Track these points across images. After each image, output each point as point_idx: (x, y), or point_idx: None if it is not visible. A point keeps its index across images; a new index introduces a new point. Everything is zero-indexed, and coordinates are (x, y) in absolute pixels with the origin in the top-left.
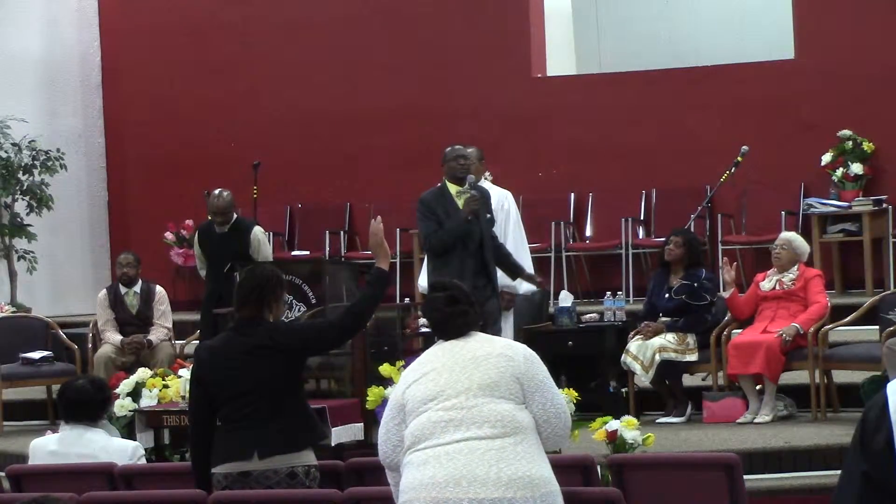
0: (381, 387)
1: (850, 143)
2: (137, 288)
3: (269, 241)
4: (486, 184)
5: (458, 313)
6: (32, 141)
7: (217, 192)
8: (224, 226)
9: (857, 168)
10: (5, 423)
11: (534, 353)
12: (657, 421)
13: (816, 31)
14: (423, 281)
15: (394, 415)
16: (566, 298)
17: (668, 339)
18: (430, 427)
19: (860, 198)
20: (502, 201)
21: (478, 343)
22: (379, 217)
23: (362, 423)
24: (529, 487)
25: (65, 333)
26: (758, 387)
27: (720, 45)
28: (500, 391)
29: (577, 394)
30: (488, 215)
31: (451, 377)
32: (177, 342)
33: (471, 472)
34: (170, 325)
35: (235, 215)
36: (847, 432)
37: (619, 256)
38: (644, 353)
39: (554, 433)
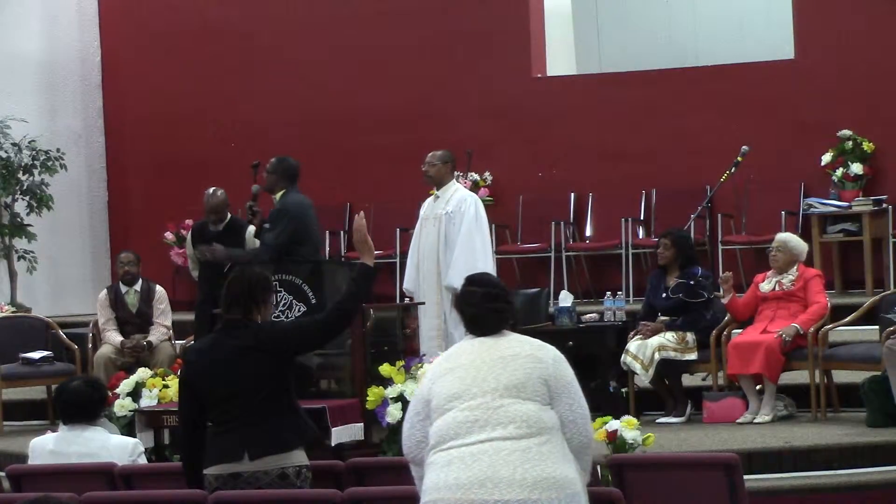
0: (381, 387)
1: (850, 143)
2: (138, 286)
3: None
4: (453, 186)
5: (496, 310)
6: (32, 141)
7: (211, 190)
8: (218, 224)
9: (857, 168)
10: (5, 423)
11: (562, 355)
12: (657, 421)
13: (816, 31)
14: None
15: (419, 409)
16: (566, 298)
17: (668, 337)
18: (455, 427)
19: (860, 198)
20: (460, 204)
21: (508, 342)
22: (362, 212)
23: (362, 423)
24: (555, 488)
25: (65, 333)
26: (758, 387)
27: (720, 45)
28: (526, 392)
29: None
30: (265, 225)
31: (478, 375)
32: (176, 342)
33: (496, 474)
34: (169, 324)
35: (230, 215)
36: (847, 432)
37: (619, 256)
38: (643, 352)
39: (578, 433)
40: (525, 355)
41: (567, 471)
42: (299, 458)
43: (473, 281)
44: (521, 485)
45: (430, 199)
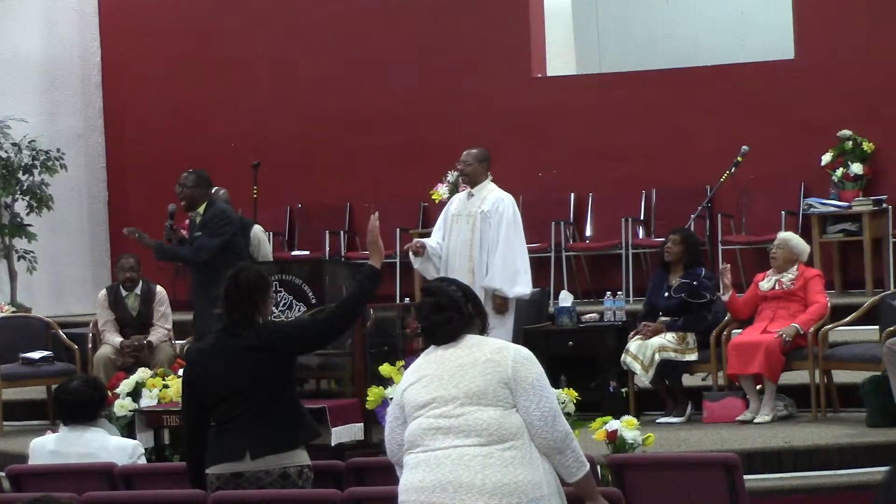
0: (381, 387)
1: (850, 143)
2: (138, 290)
3: (269, 240)
4: (489, 185)
5: (444, 321)
6: (32, 141)
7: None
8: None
9: (857, 168)
10: (5, 423)
11: (527, 355)
12: (657, 421)
13: (816, 31)
14: None
15: (396, 415)
16: (566, 298)
17: (668, 338)
18: (422, 433)
19: (860, 198)
20: (497, 204)
21: (467, 349)
22: (377, 213)
23: (362, 423)
24: (515, 494)
25: (65, 333)
26: (758, 387)
27: (720, 45)
28: (487, 398)
29: (577, 394)
30: (196, 234)
31: (440, 385)
32: (177, 342)
33: (457, 479)
34: (170, 326)
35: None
36: (847, 432)
37: (619, 256)
38: (644, 352)
39: (541, 435)
40: (483, 360)
41: (532, 475)
42: (301, 457)
43: (426, 291)
44: (480, 490)
45: (461, 196)
